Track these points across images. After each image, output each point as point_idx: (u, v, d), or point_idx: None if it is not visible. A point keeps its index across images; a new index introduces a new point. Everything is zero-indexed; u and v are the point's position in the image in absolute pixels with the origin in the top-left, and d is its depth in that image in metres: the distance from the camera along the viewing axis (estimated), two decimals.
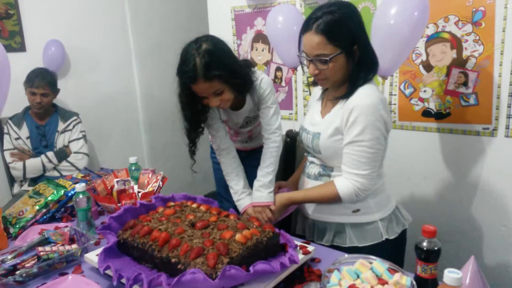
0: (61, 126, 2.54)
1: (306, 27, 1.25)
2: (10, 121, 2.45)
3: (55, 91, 2.54)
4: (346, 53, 1.23)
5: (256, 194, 1.45)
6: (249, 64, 1.52)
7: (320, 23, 1.20)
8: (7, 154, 2.40)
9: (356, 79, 1.27)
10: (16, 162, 2.39)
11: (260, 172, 1.48)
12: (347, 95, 1.27)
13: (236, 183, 1.51)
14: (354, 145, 1.24)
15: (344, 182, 1.28)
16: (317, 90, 1.50)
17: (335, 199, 1.30)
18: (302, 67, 1.36)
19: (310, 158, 1.45)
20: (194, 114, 1.43)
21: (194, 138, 1.49)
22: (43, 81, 2.43)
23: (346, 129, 1.25)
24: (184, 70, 1.29)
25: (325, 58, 1.21)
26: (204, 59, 1.26)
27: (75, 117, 2.62)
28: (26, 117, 2.50)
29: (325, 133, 1.31)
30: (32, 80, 2.41)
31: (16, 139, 2.43)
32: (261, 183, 1.45)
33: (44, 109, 2.50)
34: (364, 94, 1.24)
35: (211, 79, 1.28)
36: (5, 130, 2.43)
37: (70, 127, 2.57)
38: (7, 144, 2.42)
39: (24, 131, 2.46)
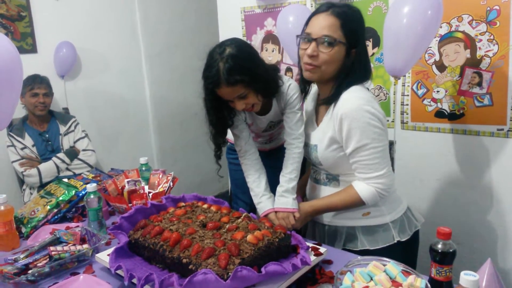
0: (62, 129, 2.58)
1: (319, 9, 1.25)
2: (11, 133, 2.47)
3: (52, 93, 2.59)
4: (347, 50, 1.23)
5: (281, 200, 1.41)
6: (276, 68, 1.50)
7: (336, 9, 1.22)
8: (16, 165, 2.42)
9: (341, 83, 1.26)
10: (29, 170, 2.40)
11: (283, 178, 1.45)
12: (332, 98, 1.28)
13: (257, 185, 1.47)
14: (361, 151, 1.23)
15: (364, 186, 1.26)
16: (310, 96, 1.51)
17: (358, 204, 1.29)
18: (298, 50, 1.32)
19: (313, 167, 1.46)
20: (220, 120, 1.42)
21: (219, 143, 1.47)
22: (43, 82, 2.51)
23: (344, 140, 1.25)
24: (208, 75, 1.29)
25: (331, 40, 1.20)
26: (227, 64, 1.25)
27: (74, 119, 2.66)
28: (25, 127, 2.52)
29: (321, 145, 1.32)
30: (31, 82, 2.46)
31: (22, 148, 2.45)
32: (285, 189, 1.42)
33: (47, 110, 2.53)
34: (347, 99, 1.23)
35: (234, 84, 1.27)
36: (9, 143, 2.45)
37: (72, 128, 2.61)
38: (14, 155, 2.43)
39: (28, 140, 2.48)
